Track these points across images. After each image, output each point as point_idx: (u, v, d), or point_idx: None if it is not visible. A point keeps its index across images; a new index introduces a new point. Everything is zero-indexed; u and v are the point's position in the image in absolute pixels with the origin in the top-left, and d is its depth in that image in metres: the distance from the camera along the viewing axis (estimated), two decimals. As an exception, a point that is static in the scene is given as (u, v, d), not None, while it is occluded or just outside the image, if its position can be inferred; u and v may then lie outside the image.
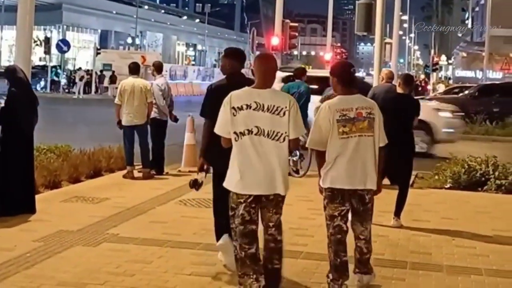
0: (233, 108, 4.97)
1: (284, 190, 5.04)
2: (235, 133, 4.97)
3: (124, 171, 11.04)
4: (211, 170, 6.04)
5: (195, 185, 6.10)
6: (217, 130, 5.10)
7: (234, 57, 6.00)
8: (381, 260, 6.52)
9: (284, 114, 4.96)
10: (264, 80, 5.08)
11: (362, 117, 5.35)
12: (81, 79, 43.54)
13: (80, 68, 49.15)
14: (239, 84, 5.28)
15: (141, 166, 11.25)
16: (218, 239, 5.95)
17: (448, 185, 10.91)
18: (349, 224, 5.56)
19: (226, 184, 5.08)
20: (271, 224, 5.09)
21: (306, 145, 5.60)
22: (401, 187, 8.21)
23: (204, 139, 5.82)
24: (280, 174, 4.99)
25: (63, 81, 45.32)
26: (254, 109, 4.94)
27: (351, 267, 5.60)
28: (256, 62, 5.25)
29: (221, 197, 5.37)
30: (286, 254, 6.42)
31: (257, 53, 14.24)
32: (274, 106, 4.96)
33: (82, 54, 67.44)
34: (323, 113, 5.36)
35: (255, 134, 4.94)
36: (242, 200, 4.98)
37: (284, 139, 4.97)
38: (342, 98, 5.42)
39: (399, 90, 8.40)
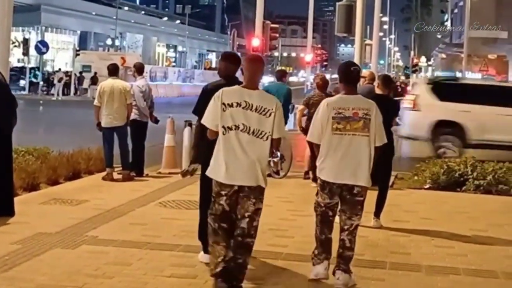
0: (223, 104, 5.30)
1: (264, 183, 5.37)
2: (223, 127, 5.30)
3: (104, 173, 10.99)
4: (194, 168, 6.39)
5: (187, 173, 6.47)
6: (206, 122, 5.40)
7: (230, 60, 6.24)
8: (361, 261, 6.53)
9: (270, 115, 5.32)
10: (253, 80, 5.45)
11: (357, 117, 5.70)
12: (59, 81, 43.21)
13: (59, 70, 48.81)
14: (233, 85, 5.55)
15: (120, 168, 11.20)
16: (200, 237, 6.24)
17: (427, 186, 10.99)
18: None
19: (209, 173, 5.40)
20: (246, 214, 5.31)
21: (307, 138, 6.07)
22: (381, 188, 8.25)
23: (196, 135, 6.22)
24: (260, 168, 5.33)
25: (42, 82, 44.99)
26: (243, 108, 5.29)
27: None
28: (245, 63, 5.55)
29: (209, 194, 5.56)
30: (266, 255, 6.47)
31: (238, 53, 14.20)
32: (262, 107, 5.32)
33: (61, 56, 66.98)
34: (322, 110, 5.77)
35: (241, 131, 5.28)
36: (225, 190, 5.31)
37: (267, 138, 5.33)
38: (342, 97, 5.84)
39: (378, 91, 8.46)
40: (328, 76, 13.86)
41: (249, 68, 5.47)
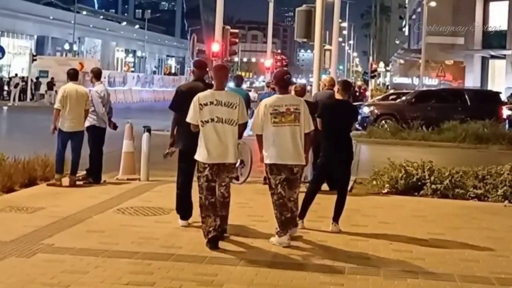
0: (200, 104, 7.12)
1: (235, 159, 7.25)
2: (201, 121, 7.11)
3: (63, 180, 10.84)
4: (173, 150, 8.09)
5: (167, 155, 8.20)
6: (189, 119, 7.19)
7: (199, 67, 8.25)
8: (320, 266, 6.56)
9: (235, 107, 7.16)
10: (221, 84, 7.30)
11: (289, 112, 7.35)
12: (16, 86, 42.61)
13: (16, 75, 48.04)
14: (201, 87, 7.60)
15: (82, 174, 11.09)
16: (177, 210, 8.12)
17: (385, 190, 11.07)
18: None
19: (197, 157, 7.17)
20: (223, 183, 7.22)
21: (250, 130, 7.64)
22: (340, 193, 8.28)
23: (172, 125, 8.04)
24: (233, 148, 7.14)
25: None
26: (215, 105, 7.11)
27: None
28: (214, 71, 7.51)
29: (184, 171, 7.88)
30: (225, 262, 6.45)
31: (196, 59, 14.31)
32: (229, 102, 7.15)
33: (18, 61, 65.86)
34: (261, 108, 7.40)
35: (216, 122, 7.10)
36: (207, 166, 7.11)
37: (235, 124, 7.16)
38: (277, 97, 7.46)
39: (337, 96, 8.47)
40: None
41: (216, 75, 7.33)
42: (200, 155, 7.14)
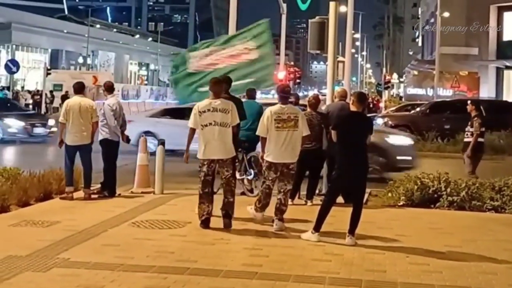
0: (199, 112, 8.67)
1: (232, 154, 8.80)
2: (201, 125, 8.64)
3: (76, 193, 10.85)
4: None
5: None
6: (190, 124, 8.73)
7: (216, 86, 9.04)
8: (336, 279, 6.50)
9: (228, 112, 8.69)
10: (216, 95, 8.83)
11: (290, 119, 8.79)
12: (25, 100, 43.35)
13: (22, 88, 48.49)
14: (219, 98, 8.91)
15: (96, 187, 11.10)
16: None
17: (401, 202, 10.99)
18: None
19: (198, 155, 8.68)
20: (223, 176, 8.74)
21: (256, 133, 8.89)
22: (355, 205, 8.23)
23: (189, 138, 8.93)
24: (227, 146, 8.68)
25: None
26: (211, 111, 8.64)
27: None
28: (210, 84, 8.99)
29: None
30: (241, 275, 6.42)
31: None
32: (223, 108, 8.69)
33: (32, 74, 66.38)
34: (266, 115, 8.81)
35: (213, 125, 8.61)
36: (205, 163, 8.66)
37: (229, 126, 8.69)
38: (280, 107, 8.86)
39: (352, 108, 8.39)
40: (300, 95, 13.99)
41: (212, 89, 8.91)
42: (200, 153, 8.69)
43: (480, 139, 12.96)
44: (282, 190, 8.83)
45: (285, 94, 9.08)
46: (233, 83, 10.18)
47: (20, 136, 22.90)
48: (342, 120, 8.52)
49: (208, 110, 8.65)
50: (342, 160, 8.20)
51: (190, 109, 9.14)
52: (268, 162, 8.76)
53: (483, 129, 13.02)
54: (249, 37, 11.08)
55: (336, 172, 8.39)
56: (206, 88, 9.56)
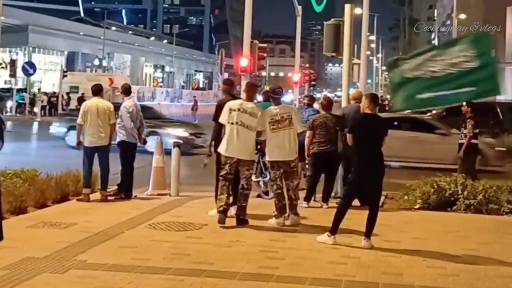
0: (230, 109, 9.09)
1: (252, 157, 9.26)
2: (229, 122, 9.04)
3: (93, 195, 10.90)
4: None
5: (205, 166, 9.97)
6: (220, 120, 9.20)
7: (229, 85, 10.34)
8: (353, 282, 6.49)
9: (256, 116, 9.09)
10: (249, 98, 9.40)
11: (283, 119, 9.22)
12: (42, 102, 43.65)
13: (39, 90, 48.80)
14: (233, 99, 9.54)
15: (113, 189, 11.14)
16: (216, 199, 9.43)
17: (417, 206, 10.94)
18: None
19: (219, 149, 9.19)
20: (243, 176, 9.05)
21: (261, 138, 9.31)
22: (371, 208, 8.21)
23: (213, 133, 9.74)
24: (250, 148, 9.12)
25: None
26: (241, 112, 9.04)
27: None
28: (246, 87, 9.65)
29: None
30: (257, 278, 6.42)
31: (225, 74, 14.67)
32: (252, 112, 9.09)
33: (49, 76, 66.76)
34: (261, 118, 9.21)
35: (239, 125, 9.00)
36: (228, 162, 9.04)
37: (254, 130, 9.08)
38: (273, 108, 9.32)
39: (367, 110, 8.35)
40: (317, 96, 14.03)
41: (248, 91, 9.50)
42: (221, 148, 9.13)
43: (473, 141, 12.97)
44: (289, 188, 9.27)
45: (276, 95, 9.55)
46: (451, 91, 9.68)
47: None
48: (357, 123, 8.48)
49: (238, 109, 9.06)
50: (358, 163, 8.18)
51: None
52: (270, 162, 9.31)
53: (477, 130, 13.03)
54: (469, 44, 10.63)
55: (352, 175, 8.37)
56: (425, 95, 9.40)
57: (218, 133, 9.49)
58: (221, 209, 9.04)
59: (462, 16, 43.77)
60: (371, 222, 8.10)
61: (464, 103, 13.79)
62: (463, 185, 10.91)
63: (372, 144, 8.18)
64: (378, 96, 10.75)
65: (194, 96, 54.51)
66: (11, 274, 6.37)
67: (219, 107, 9.58)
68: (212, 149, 9.72)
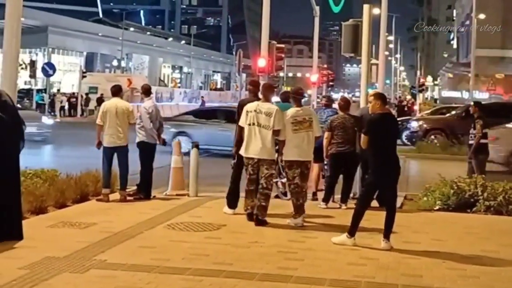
0: (247, 111, 9.35)
1: (271, 156, 9.28)
2: (248, 124, 9.28)
3: (112, 195, 10.95)
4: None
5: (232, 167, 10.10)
6: (240, 123, 9.50)
7: (254, 86, 10.47)
8: (372, 284, 6.47)
9: (272, 116, 9.22)
10: (266, 99, 9.53)
11: (305, 121, 9.49)
12: (61, 102, 43.90)
13: (58, 91, 49.10)
14: (253, 101, 9.70)
15: (133, 189, 11.18)
16: (229, 203, 9.92)
17: (437, 207, 10.88)
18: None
19: (240, 151, 9.39)
20: (262, 175, 9.20)
21: (279, 138, 9.32)
22: (388, 209, 8.17)
23: (236, 136, 9.81)
24: (268, 147, 9.21)
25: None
26: (257, 113, 9.27)
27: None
28: (263, 89, 9.75)
29: (237, 169, 9.97)
30: (276, 279, 6.42)
31: (243, 75, 14.81)
32: (268, 112, 9.25)
33: (68, 77, 67.18)
34: (285, 119, 9.40)
35: (256, 126, 9.23)
36: (249, 163, 9.30)
37: (270, 129, 9.19)
38: (296, 110, 9.57)
39: (378, 110, 8.25)
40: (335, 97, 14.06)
41: (264, 92, 9.63)
42: (242, 150, 9.36)
43: (482, 141, 12.92)
44: (302, 189, 9.52)
45: (298, 96, 9.79)
46: None
47: None
48: (374, 124, 8.30)
49: (254, 111, 9.30)
50: (374, 164, 8.14)
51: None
52: (289, 161, 9.44)
53: (486, 130, 12.96)
54: None
55: (369, 177, 8.34)
56: None
57: (240, 135, 9.62)
58: (248, 212, 9.40)
59: (482, 16, 43.39)
60: (389, 223, 8.07)
61: (472, 103, 13.78)
62: (483, 186, 10.84)
63: (388, 145, 8.15)
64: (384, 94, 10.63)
65: (202, 97, 54.49)
66: (32, 273, 6.41)
67: (240, 107, 9.93)
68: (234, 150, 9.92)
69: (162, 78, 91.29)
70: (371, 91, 13.36)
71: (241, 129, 9.53)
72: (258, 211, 9.16)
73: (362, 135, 8.22)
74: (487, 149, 13.34)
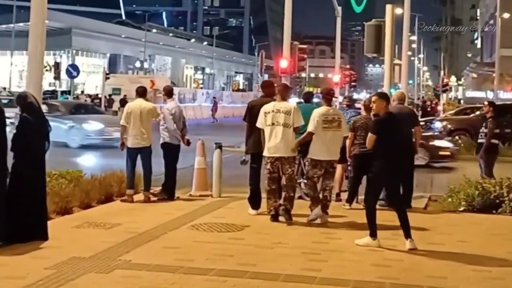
0: (265, 113, 9.51)
1: (292, 153, 9.47)
2: (267, 124, 9.43)
3: (137, 196, 11.02)
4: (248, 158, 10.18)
5: (244, 162, 10.20)
6: (258, 124, 9.59)
7: (265, 87, 10.66)
8: (396, 285, 6.45)
9: (290, 114, 9.42)
10: (282, 98, 9.67)
11: (334, 120, 9.60)
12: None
13: (82, 92, 49.43)
14: (265, 102, 9.85)
15: (158, 189, 11.24)
16: (252, 205, 10.04)
17: (461, 208, 10.79)
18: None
19: (264, 153, 9.50)
20: (286, 173, 9.40)
21: (308, 129, 9.48)
22: (395, 209, 8.12)
23: (246, 134, 10.13)
24: (289, 145, 9.38)
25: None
26: (276, 113, 9.44)
27: None
28: (279, 89, 9.89)
29: (255, 170, 10.04)
30: (301, 280, 6.41)
31: (265, 75, 14.90)
32: (286, 110, 9.44)
33: (92, 79, 67.74)
34: (315, 115, 9.52)
35: (276, 125, 9.39)
36: (269, 160, 9.45)
37: (290, 127, 9.39)
38: (327, 109, 9.69)
39: (383, 110, 8.21)
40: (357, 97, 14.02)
41: (281, 93, 9.76)
42: (265, 151, 9.49)
43: (493, 141, 12.83)
44: (327, 188, 9.64)
45: (330, 96, 9.98)
46: None
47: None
48: (381, 124, 8.20)
49: (272, 111, 9.45)
50: (382, 162, 8.06)
51: None
52: (314, 160, 9.52)
53: (497, 130, 12.86)
54: None
55: (373, 175, 8.30)
56: None
57: (250, 133, 9.97)
58: (271, 213, 9.47)
59: (506, 15, 43.00)
60: (403, 222, 8.00)
61: (486, 103, 13.69)
62: (509, 187, 10.73)
63: (397, 144, 8.11)
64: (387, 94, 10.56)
65: (214, 97, 54.40)
66: (58, 273, 6.48)
67: (251, 108, 10.12)
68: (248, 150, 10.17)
69: (184, 79, 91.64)
70: (395, 92, 13.34)
71: (254, 129, 9.73)
72: (286, 201, 9.37)
73: (369, 135, 8.19)
74: (497, 150, 13.25)
